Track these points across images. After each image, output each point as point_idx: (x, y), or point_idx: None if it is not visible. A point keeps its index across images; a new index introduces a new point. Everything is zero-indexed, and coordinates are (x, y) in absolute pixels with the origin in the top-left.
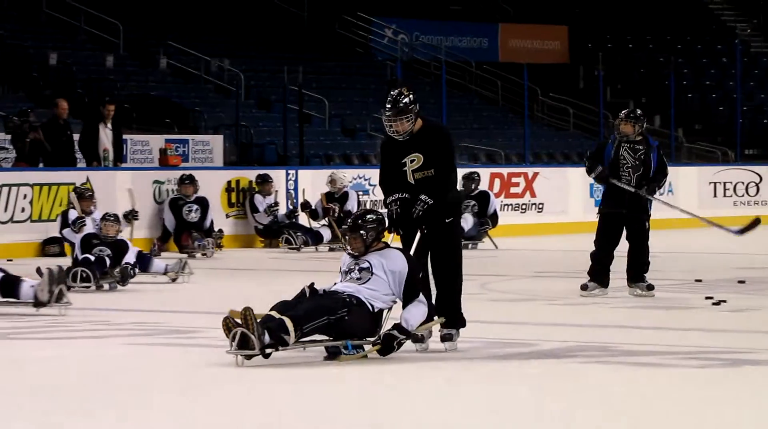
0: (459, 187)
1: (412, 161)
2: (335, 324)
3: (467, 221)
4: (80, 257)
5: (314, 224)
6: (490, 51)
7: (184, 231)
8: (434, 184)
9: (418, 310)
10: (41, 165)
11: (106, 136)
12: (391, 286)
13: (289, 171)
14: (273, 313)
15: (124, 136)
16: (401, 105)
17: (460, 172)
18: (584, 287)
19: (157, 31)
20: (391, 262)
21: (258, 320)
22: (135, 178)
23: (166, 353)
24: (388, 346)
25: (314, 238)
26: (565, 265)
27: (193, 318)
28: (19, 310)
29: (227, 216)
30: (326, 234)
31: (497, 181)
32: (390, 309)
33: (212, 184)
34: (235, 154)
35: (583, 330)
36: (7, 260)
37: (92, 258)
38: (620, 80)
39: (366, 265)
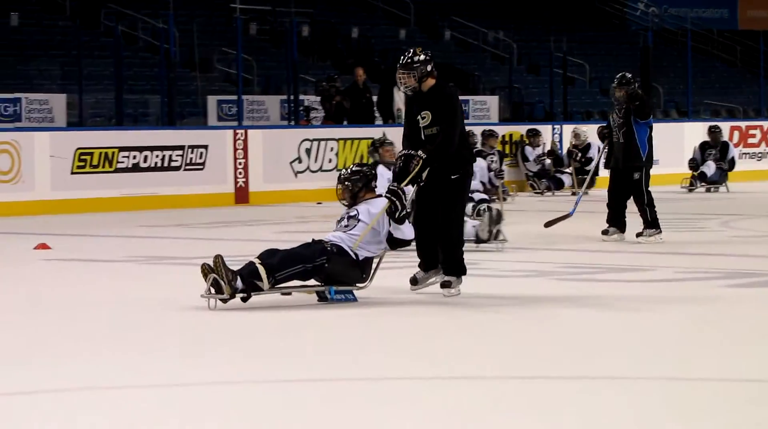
0: (704, 137)
1: (423, 118)
2: (313, 271)
3: (709, 167)
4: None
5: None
6: (730, 20)
7: None
8: (437, 143)
9: (408, 225)
10: (345, 122)
11: (399, 98)
12: (379, 232)
13: (555, 126)
14: (253, 259)
15: None
16: (408, 61)
17: (703, 125)
18: (604, 232)
19: (443, 8)
20: (374, 207)
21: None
22: None
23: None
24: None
25: (556, 183)
26: None
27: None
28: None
29: None
30: (567, 180)
31: (736, 133)
32: (380, 258)
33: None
34: (508, 112)
35: None
36: (317, 203)
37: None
38: None
39: (354, 213)
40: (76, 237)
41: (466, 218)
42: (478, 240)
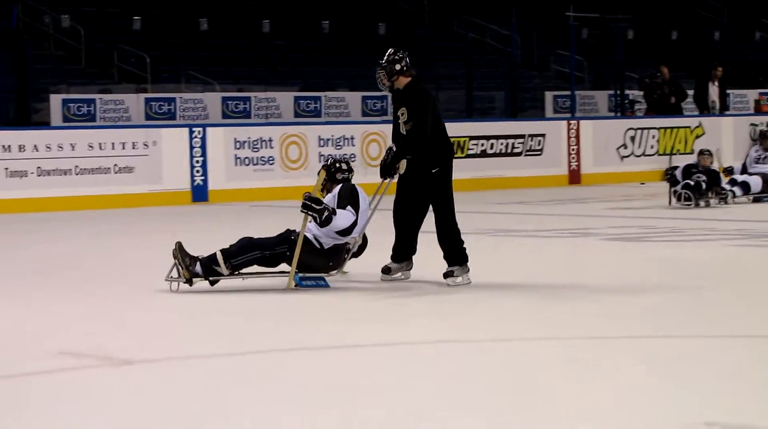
0: None
1: (402, 115)
2: (272, 258)
3: None
4: (681, 181)
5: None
6: None
7: None
8: (409, 135)
9: (341, 215)
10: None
11: (713, 91)
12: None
13: None
14: (223, 247)
15: (728, 91)
16: (382, 61)
17: None
18: None
19: (755, 10)
20: (332, 194)
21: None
22: (735, 122)
23: None
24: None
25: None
26: None
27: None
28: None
29: None
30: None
31: None
32: (352, 246)
33: None
34: None
35: None
36: (641, 183)
37: (692, 182)
38: None
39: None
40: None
41: None
42: None
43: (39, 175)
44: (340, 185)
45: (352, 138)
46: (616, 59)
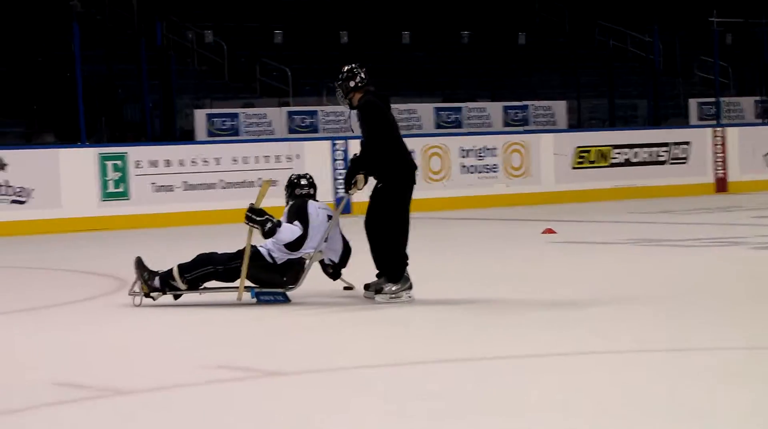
0: None
1: (359, 129)
2: (225, 273)
3: None
4: None
5: None
6: None
7: None
8: (362, 149)
9: (286, 228)
10: None
11: None
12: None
13: None
14: (180, 262)
15: None
16: (337, 79)
17: None
18: None
19: None
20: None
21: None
22: None
23: None
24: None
25: None
26: None
27: None
28: None
29: None
30: None
31: None
32: (310, 261)
33: None
34: None
35: None
36: None
37: None
38: None
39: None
40: (576, 223)
41: None
42: None
43: (185, 190)
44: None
45: (494, 148)
46: (761, 64)
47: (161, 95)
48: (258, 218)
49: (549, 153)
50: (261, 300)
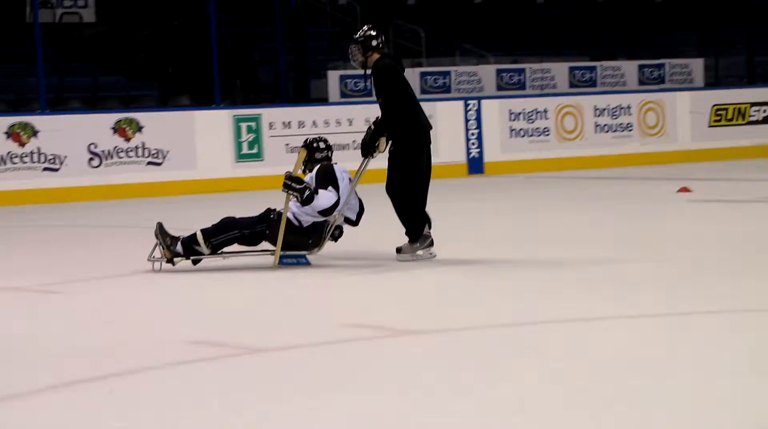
0: None
1: (376, 92)
2: (251, 237)
3: None
4: None
5: None
6: None
7: None
8: (381, 112)
9: (323, 195)
10: None
11: None
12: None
13: None
14: (203, 227)
15: None
16: (354, 36)
17: None
18: None
19: None
20: (311, 174)
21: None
22: None
23: None
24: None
25: None
26: None
27: None
28: None
29: None
30: None
31: None
32: (330, 224)
33: None
34: None
35: None
36: None
37: None
38: None
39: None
40: (713, 181)
41: None
42: None
43: None
44: (318, 165)
45: (629, 107)
46: None
47: (295, 57)
48: (297, 186)
49: (685, 111)
50: (283, 263)
